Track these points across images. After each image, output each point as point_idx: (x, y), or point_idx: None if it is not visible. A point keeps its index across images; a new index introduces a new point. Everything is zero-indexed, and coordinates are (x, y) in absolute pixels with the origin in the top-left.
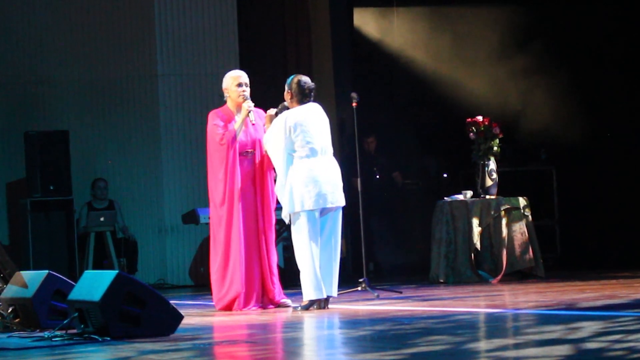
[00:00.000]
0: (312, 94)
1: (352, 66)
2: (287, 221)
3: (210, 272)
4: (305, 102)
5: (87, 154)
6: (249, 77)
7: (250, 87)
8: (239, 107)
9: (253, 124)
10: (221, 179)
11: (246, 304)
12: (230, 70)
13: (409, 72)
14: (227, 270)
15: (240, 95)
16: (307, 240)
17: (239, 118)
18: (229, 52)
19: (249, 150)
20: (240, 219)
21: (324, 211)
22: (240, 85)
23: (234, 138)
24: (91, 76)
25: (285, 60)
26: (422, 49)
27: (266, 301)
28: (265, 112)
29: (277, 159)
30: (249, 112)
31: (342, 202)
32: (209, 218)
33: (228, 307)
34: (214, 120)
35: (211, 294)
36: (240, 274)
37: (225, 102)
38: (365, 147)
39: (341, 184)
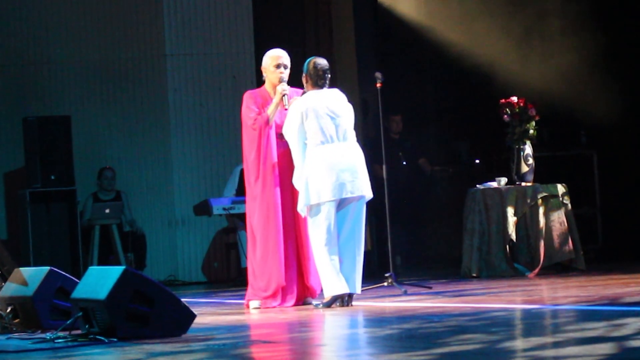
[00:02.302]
0: (327, 75)
1: (376, 44)
2: (303, 215)
3: (247, 263)
4: (320, 85)
5: (91, 140)
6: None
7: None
8: (276, 89)
9: (286, 109)
10: (253, 161)
11: (284, 299)
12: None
13: (437, 50)
14: (267, 259)
15: (277, 77)
16: (325, 233)
17: (273, 101)
18: (243, 30)
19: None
20: (278, 200)
21: (344, 202)
22: (278, 66)
23: (267, 122)
24: (94, 56)
25: (304, 37)
26: (451, 25)
27: (301, 296)
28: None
29: (293, 149)
30: (284, 95)
31: (365, 191)
32: (222, 209)
33: (271, 297)
34: (248, 102)
35: (246, 287)
36: (280, 263)
37: (264, 82)
38: (394, 126)
39: (364, 172)
